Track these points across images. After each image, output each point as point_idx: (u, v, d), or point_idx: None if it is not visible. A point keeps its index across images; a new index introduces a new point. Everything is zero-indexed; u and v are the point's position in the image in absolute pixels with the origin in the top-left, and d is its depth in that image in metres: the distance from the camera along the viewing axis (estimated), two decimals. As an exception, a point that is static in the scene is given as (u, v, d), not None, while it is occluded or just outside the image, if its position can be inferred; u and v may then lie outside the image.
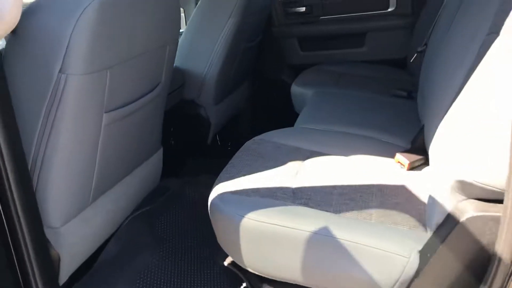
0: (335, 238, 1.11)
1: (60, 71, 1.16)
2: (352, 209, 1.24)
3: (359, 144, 1.64)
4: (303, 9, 2.86)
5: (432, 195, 1.11)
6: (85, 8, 1.15)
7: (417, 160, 1.51)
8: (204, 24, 2.24)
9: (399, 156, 1.52)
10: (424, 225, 1.16)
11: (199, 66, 2.28)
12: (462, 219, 0.97)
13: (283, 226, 1.15)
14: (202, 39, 2.25)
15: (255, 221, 1.17)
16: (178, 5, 1.65)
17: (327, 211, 1.22)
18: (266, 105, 3.08)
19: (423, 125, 1.62)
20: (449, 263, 1.00)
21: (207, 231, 1.71)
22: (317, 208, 1.22)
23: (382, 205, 1.27)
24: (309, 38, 2.91)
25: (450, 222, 1.00)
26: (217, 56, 2.27)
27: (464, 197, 1.00)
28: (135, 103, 1.49)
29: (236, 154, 1.55)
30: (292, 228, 1.14)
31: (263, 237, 1.17)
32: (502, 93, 0.95)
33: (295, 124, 1.90)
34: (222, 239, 1.30)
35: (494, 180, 0.92)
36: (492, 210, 0.95)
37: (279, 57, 2.99)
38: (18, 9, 1.04)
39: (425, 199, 1.28)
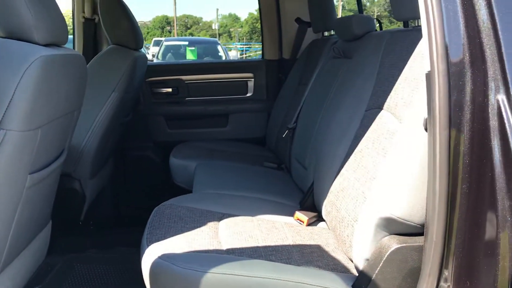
0: (288, 281, 1.21)
1: None
2: (281, 259, 1.37)
3: (259, 205, 1.81)
4: (169, 90, 3.03)
5: (356, 235, 1.31)
6: (30, 64, 1.12)
7: (313, 217, 1.74)
8: (87, 95, 2.22)
9: (298, 214, 1.73)
10: (345, 266, 1.35)
11: (77, 138, 2.21)
12: (388, 251, 1.18)
13: (245, 276, 1.20)
14: (83, 111, 2.21)
15: (219, 274, 1.19)
16: (86, 75, 1.66)
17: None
18: (131, 181, 3.05)
19: (310, 188, 1.87)
20: (382, 290, 1.19)
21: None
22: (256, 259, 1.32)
23: (301, 253, 1.43)
24: (175, 117, 3.06)
25: (378, 256, 1.20)
26: (97, 128, 2.24)
27: (386, 233, 1.22)
28: (49, 167, 1.42)
29: (152, 218, 1.56)
30: (253, 276, 1.20)
31: None
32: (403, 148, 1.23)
33: (194, 191, 1.97)
34: None
35: (413, 216, 1.16)
36: (410, 241, 1.18)
37: (145, 134, 3.05)
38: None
39: (330, 246, 1.49)
